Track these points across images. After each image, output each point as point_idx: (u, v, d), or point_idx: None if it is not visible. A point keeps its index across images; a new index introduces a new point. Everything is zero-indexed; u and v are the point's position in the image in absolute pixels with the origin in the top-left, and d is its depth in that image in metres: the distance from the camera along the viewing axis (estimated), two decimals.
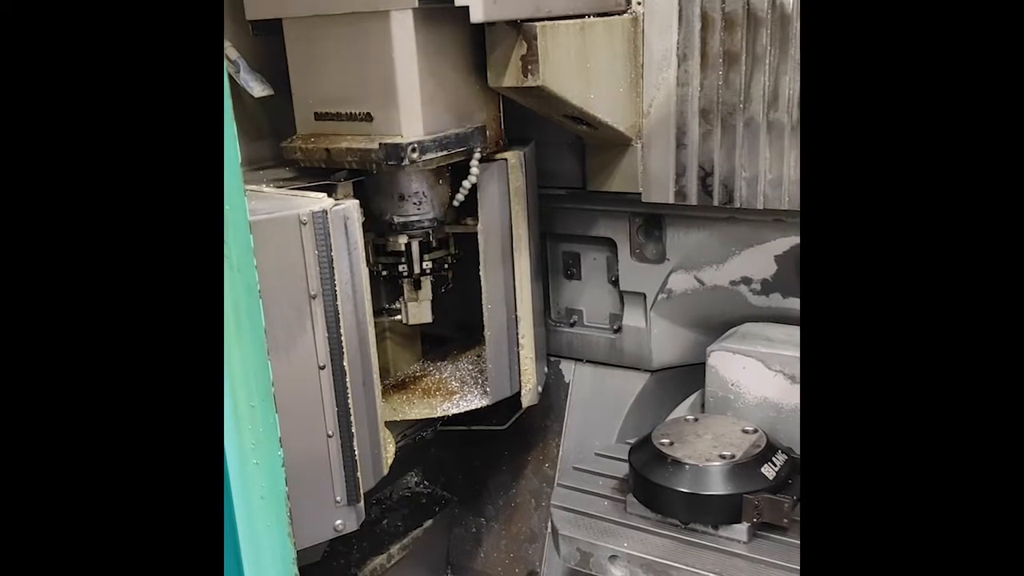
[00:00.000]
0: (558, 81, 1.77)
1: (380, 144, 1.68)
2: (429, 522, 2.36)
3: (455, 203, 1.91)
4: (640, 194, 2.04)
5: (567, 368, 2.42)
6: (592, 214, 2.23)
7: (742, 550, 1.57)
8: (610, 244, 2.25)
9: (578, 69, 1.83)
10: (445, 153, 1.76)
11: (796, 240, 1.98)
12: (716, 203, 1.94)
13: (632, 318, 2.27)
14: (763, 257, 2.03)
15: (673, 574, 1.56)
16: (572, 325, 2.39)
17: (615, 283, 2.28)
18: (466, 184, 1.85)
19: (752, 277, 2.07)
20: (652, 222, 2.16)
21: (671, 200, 2.00)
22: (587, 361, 2.39)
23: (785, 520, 1.56)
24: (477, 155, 1.83)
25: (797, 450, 1.75)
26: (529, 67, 1.73)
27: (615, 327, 2.32)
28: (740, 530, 1.59)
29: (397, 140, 1.69)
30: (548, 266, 2.38)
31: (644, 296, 2.23)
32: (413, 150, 1.68)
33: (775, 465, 1.64)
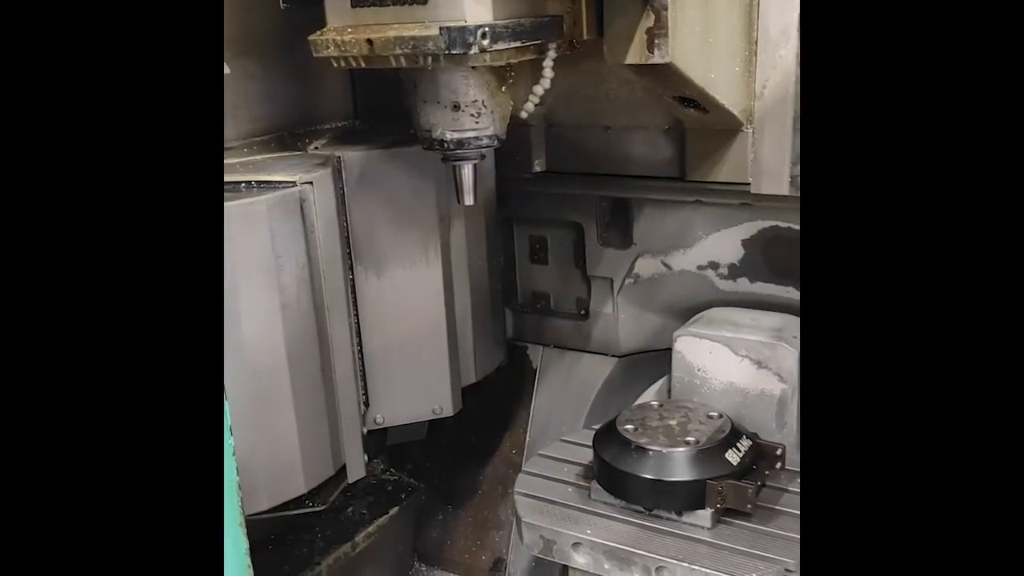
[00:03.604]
0: (684, 58, 1.58)
1: (441, 28, 1.38)
2: (395, 510, 2.34)
3: (523, 114, 1.65)
4: (749, 184, 1.82)
5: (534, 353, 2.40)
6: (558, 198, 2.20)
7: (706, 536, 1.56)
8: (577, 228, 2.22)
9: (701, 45, 1.62)
10: (519, 44, 1.48)
11: (763, 224, 1.96)
12: None
13: (599, 303, 2.25)
14: (730, 242, 2.02)
15: (636, 561, 1.55)
16: (539, 310, 2.37)
17: (582, 268, 2.26)
18: (538, 89, 1.60)
19: (719, 262, 2.05)
20: (619, 206, 2.14)
21: (786, 191, 1.78)
22: (554, 346, 2.37)
23: (749, 506, 1.55)
24: (552, 52, 1.58)
25: (762, 435, 1.74)
26: (656, 42, 1.52)
27: (582, 312, 2.30)
28: (704, 516, 1.58)
29: (461, 24, 1.40)
30: (515, 250, 2.36)
31: (611, 281, 2.21)
32: (483, 35, 1.39)
33: (739, 451, 1.63)
